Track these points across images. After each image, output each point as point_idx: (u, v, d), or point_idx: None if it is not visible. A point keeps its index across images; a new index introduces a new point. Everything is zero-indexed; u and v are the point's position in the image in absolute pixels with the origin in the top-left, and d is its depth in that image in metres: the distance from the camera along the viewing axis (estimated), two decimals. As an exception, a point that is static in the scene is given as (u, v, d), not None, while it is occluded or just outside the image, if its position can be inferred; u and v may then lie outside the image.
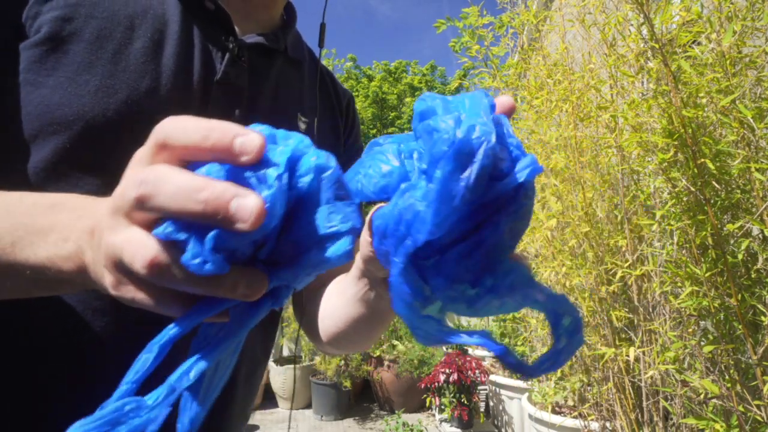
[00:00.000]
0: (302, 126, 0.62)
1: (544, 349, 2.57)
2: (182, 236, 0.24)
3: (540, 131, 2.09)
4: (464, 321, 4.78)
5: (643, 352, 1.58)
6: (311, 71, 0.68)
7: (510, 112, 0.31)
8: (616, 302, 1.74)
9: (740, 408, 1.20)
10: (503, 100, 0.31)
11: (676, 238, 1.38)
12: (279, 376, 4.21)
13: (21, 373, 0.46)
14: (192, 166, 0.26)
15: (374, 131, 12.28)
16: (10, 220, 0.34)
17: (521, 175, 0.28)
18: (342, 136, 0.72)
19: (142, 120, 0.46)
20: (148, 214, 0.25)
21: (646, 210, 1.64)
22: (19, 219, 0.34)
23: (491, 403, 3.68)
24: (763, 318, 1.17)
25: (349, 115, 0.74)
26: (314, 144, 0.66)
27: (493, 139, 0.26)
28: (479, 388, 3.52)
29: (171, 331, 0.27)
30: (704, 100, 1.31)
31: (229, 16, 0.56)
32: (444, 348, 4.47)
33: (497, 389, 3.42)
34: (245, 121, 0.56)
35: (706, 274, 1.20)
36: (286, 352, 4.73)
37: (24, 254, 0.33)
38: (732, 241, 1.29)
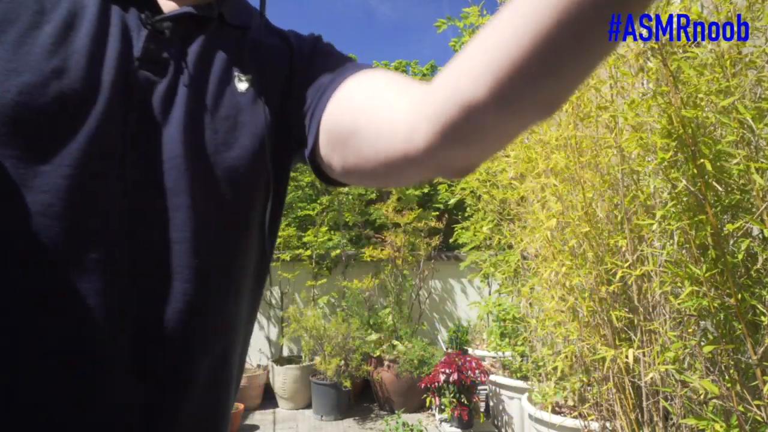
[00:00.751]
0: (242, 86, 0.58)
1: (544, 349, 2.57)
2: None
3: (540, 131, 2.09)
4: (463, 312, 4.78)
5: (643, 353, 1.58)
6: (260, 32, 0.63)
7: None
8: (616, 302, 1.74)
9: (740, 408, 1.20)
10: None
11: (676, 238, 1.38)
12: (279, 376, 4.21)
13: None
14: None
15: (374, 131, 12.24)
16: None
17: None
18: (295, 60, 0.63)
19: (49, 100, 0.46)
20: None
21: (646, 210, 1.64)
22: None
23: (491, 403, 3.68)
24: (763, 318, 1.17)
25: (306, 40, 0.64)
26: (258, 98, 0.57)
27: None
28: (479, 388, 3.52)
29: None
30: (703, 102, 1.32)
31: None
32: (444, 348, 4.47)
33: (497, 389, 3.42)
34: (171, 91, 0.52)
35: (706, 274, 1.20)
36: (286, 352, 4.73)
37: None
38: (732, 241, 1.29)
